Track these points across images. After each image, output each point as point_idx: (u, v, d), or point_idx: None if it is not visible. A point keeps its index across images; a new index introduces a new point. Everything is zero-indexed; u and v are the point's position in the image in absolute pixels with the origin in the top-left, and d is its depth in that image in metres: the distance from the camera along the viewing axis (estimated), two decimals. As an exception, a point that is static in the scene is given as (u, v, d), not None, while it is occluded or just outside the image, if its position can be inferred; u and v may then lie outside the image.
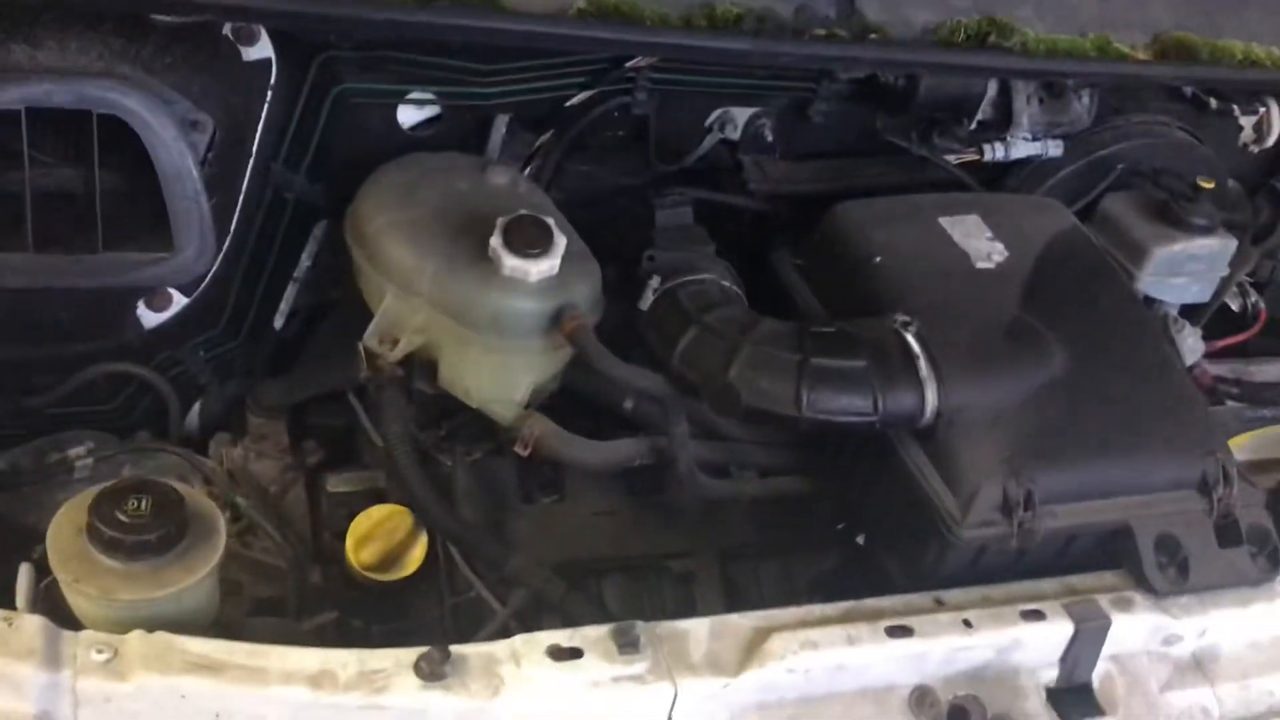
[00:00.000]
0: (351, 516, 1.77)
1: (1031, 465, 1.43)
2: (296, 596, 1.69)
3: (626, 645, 1.24)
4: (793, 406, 1.42)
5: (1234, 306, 2.10)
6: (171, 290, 1.74)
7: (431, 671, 1.18)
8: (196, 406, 1.92)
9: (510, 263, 1.47)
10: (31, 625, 1.13)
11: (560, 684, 1.20)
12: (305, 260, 1.84)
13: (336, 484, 1.81)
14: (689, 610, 1.72)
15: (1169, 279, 1.87)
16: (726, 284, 1.61)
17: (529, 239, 1.47)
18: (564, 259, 1.51)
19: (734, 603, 1.76)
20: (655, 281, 1.59)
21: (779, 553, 1.81)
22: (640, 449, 1.62)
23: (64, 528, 1.24)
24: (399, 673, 1.18)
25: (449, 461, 1.67)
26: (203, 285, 1.75)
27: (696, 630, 1.29)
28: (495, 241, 1.47)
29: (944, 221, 1.68)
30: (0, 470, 1.73)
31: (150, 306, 1.75)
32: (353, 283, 1.67)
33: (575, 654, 1.23)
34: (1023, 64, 1.60)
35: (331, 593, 1.72)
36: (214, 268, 1.73)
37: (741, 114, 1.90)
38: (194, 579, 1.23)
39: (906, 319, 1.48)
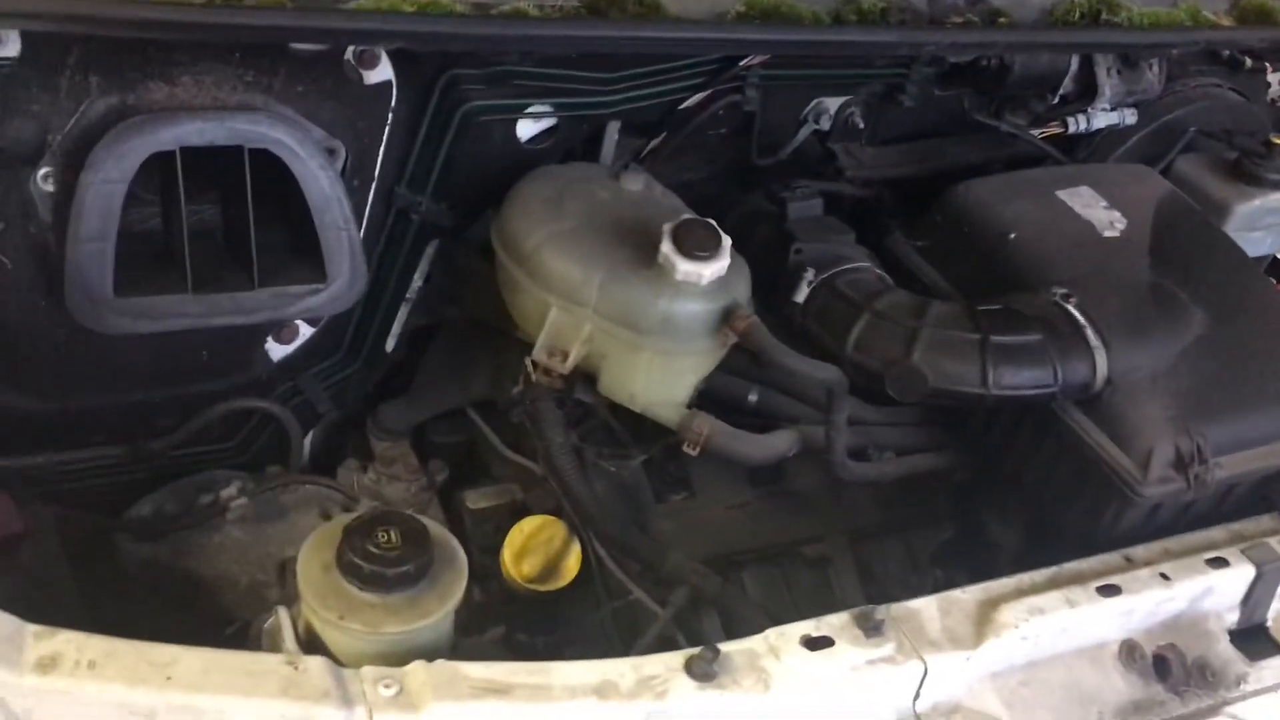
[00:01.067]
0: (497, 531, 1.78)
1: (1197, 420, 1.50)
2: (464, 614, 1.69)
3: (871, 629, 1.27)
4: (979, 385, 1.47)
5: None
6: (298, 321, 1.73)
7: (705, 672, 1.20)
8: (309, 436, 1.91)
9: (684, 267, 1.49)
10: (318, 666, 1.13)
11: (822, 672, 1.24)
12: (417, 280, 1.83)
13: (476, 500, 1.82)
14: (826, 594, 1.79)
15: (1248, 233, 1.96)
16: (877, 270, 1.66)
17: (699, 242, 1.49)
18: (726, 261, 1.54)
19: (868, 583, 1.82)
20: (810, 273, 1.62)
21: (900, 529, 1.86)
22: (794, 440, 1.66)
23: (311, 566, 1.23)
24: (673, 676, 1.20)
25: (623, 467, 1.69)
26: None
27: (926, 609, 1.33)
28: (666, 247, 1.49)
29: (1061, 194, 1.74)
30: (145, 516, 1.70)
31: (278, 339, 1.74)
32: (497, 300, 1.67)
33: (827, 642, 1.26)
34: (1134, 38, 1.67)
35: (494, 608, 1.73)
36: None
37: (833, 103, 1.93)
38: (450, 605, 1.24)
39: (1066, 291, 1.54)
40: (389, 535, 1.22)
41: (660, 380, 1.59)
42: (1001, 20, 1.57)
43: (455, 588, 1.25)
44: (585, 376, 1.62)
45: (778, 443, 1.64)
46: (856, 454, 1.74)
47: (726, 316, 1.53)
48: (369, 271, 1.74)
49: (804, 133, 1.93)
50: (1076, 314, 1.51)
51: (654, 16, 1.40)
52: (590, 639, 1.74)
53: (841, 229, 1.73)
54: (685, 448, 1.59)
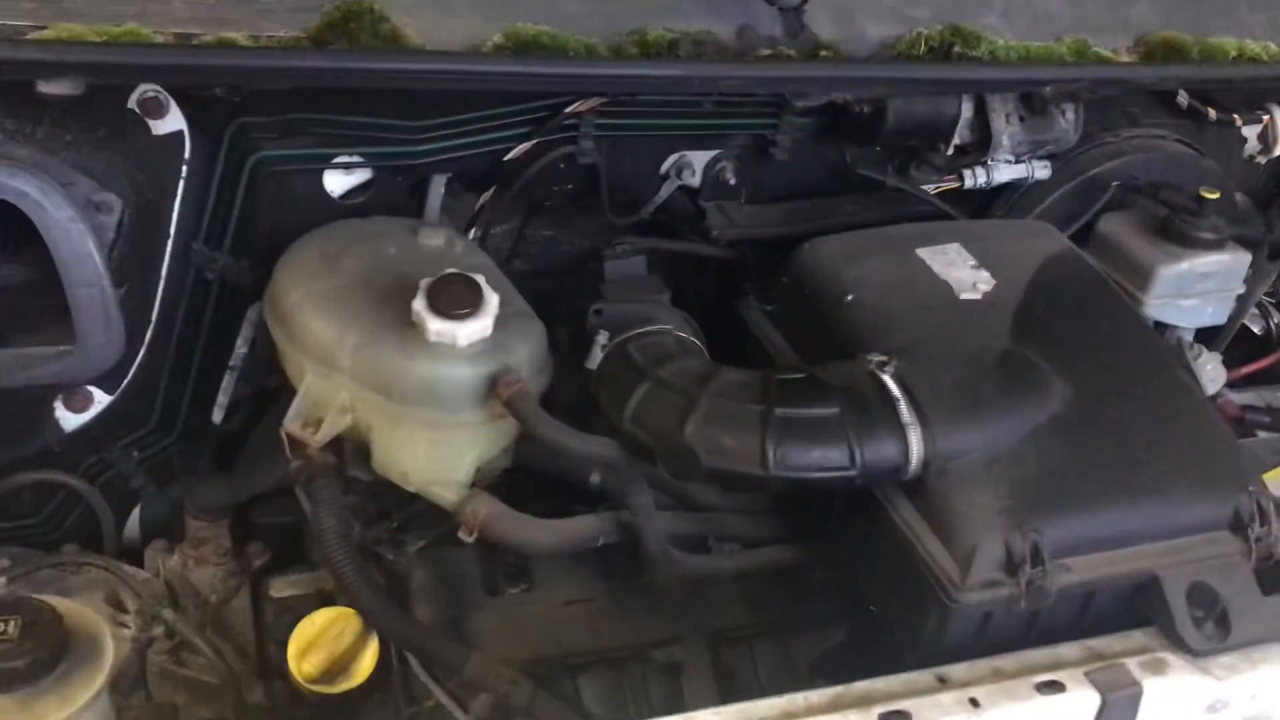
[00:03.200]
0: (297, 623, 1.62)
1: (1036, 514, 1.26)
2: (236, 718, 1.52)
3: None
4: (758, 464, 1.25)
5: (1256, 329, 1.92)
6: (91, 388, 1.61)
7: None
8: (137, 513, 1.78)
9: (435, 326, 1.32)
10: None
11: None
12: (241, 347, 1.70)
13: (281, 588, 1.66)
14: (677, 704, 1.56)
15: (1179, 301, 1.71)
16: (683, 335, 1.46)
17: (455, 299, 1.32)
18: (501, 319, 1.36)
19: (728, 692, 1.58)
20: (603, 337, 1.44)
21: (776, 632, 1.64)
22: (604, 526, 1.46)
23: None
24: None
25: (402, 556, 1.50)
26: (126, 380, 1.62)
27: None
28: (418, 304, 1.33)
29: (922, 253, 1.53)
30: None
31: (70, 407, 1.62)
32: (280, 367, 1.53)
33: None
34: (993, 74, 1.46)
35: (275, 710, 1.55)
36: (138, 359, 1.60)
37: (700, 158, 1.76)
38: (70, 710, 1.07)
39: (882, 358, 1.32)
40: (6, 626, 1.06)
41: (432, 456, 1.41)
42: (824, 54, 1.37)
43: (85, 688, 1.08)
44: (361, 451, 1.46)
45: (575, 530, 1.44)
46: (694, 543, 1.53)
47: (494, 383, 1.35)
48: (174, 335, 1.63)
49: (667, 189, 1.76)
50: (890, 384, 1.29)
51: (390, 48, 1.25)
52: (382, 752, 1.55)
53: (657, 289, 1.54)
54: (460, 533, 1.41)
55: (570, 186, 1.73)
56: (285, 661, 1.56)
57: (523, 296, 1.55)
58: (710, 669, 1.59)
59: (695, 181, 1.77)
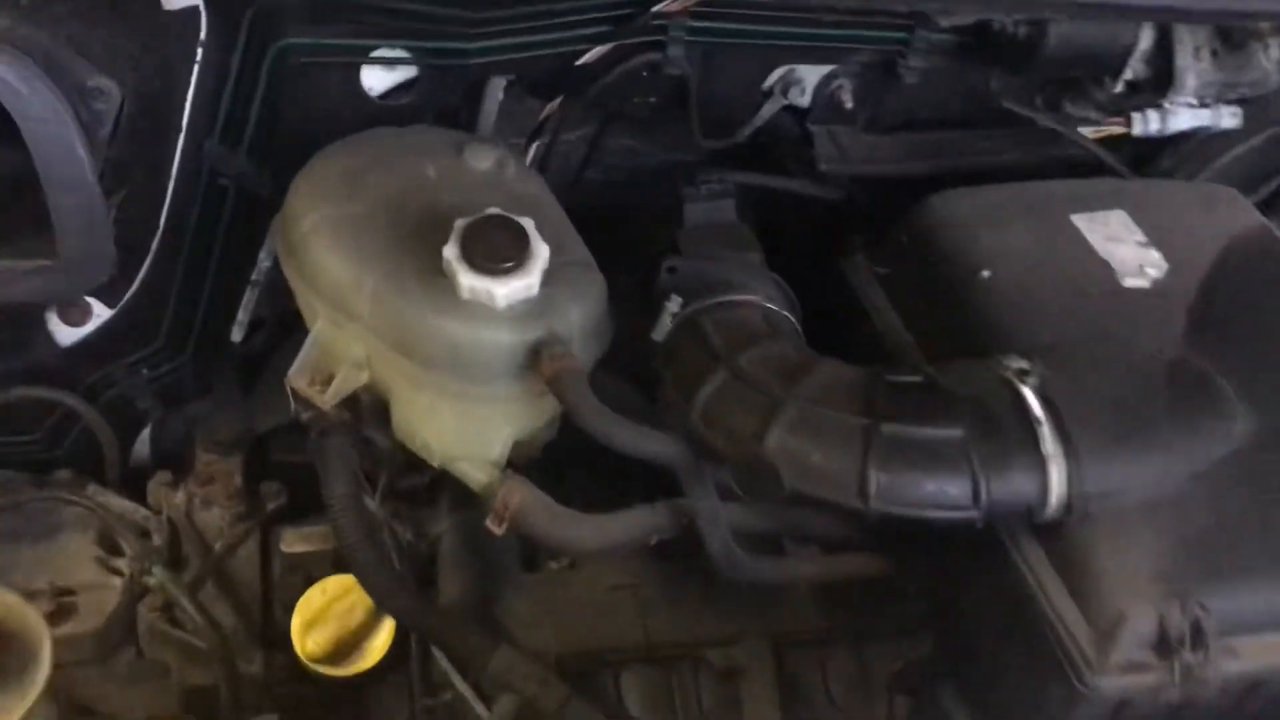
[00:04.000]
0: (308, 584, 1.43)
1: (1202, 579, 1.00)
2: (229, 692, 1.34)
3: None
4: (855, 493, 1.00)
5: None
6: (90, 300, 1.41)
7: None
8: (148, 435, 1.59)
9: (469, 281, 1.07)
10: None
11: None
12: (265, 260, 1.47)
13: (292, 541, 1.47)
14: (733, 714, 1.36)
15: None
16: (773, 308, 1.19)
17: (496, 249, 1.07)
18: (551, 273, 1.11)
19: (792, 704, 1.37)
20: (674, 303, 1.17)
21: (851, 639, 1.41)
22: (659, 521, 1.22)
23: None
24: None
25: (423, 540, 1.30)
26: (130, 292, 1.42)
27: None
28: (450, 251, 1.08)
29: (1078, 220, 1.23)
30: None
31: (65, 320, 1.44)
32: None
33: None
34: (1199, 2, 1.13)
35: (274, 686, 1.37)
36: (143, 270, 1.41)
37: (812, 74, 1.47)
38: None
39: (1023, 364, 1.04)
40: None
41: (460, 430, 1.18)
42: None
43: (17, 702, 0.88)
44: (377, 409, 1.23)
45: (624, 528, 1.21)
46: (767, 542, 1.30)
47: (538, 354, 1.10)
48: (185, 244, 1.42)
49: (769, 109, 1.48)
50: (1031, 400, 1.02)
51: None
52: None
53: (747, 243, 1.27)
54: (487, 523, 1.18)
55: (652, 100, 1.46)
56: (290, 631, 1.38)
57: (596, 208, 1.31)
58: (773, 676, 1.38)
59: (804, 101, 1.48)
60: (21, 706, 0.91)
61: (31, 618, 0.97)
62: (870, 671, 1.41)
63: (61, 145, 1.20)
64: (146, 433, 1.61)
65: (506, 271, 1.07)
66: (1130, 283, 1.18)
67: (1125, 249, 1.20)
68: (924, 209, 1.27)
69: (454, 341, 1.10)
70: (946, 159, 1.50)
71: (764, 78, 1.46)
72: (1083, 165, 1.48)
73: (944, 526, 1.02)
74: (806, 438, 1.02)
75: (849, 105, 1.48)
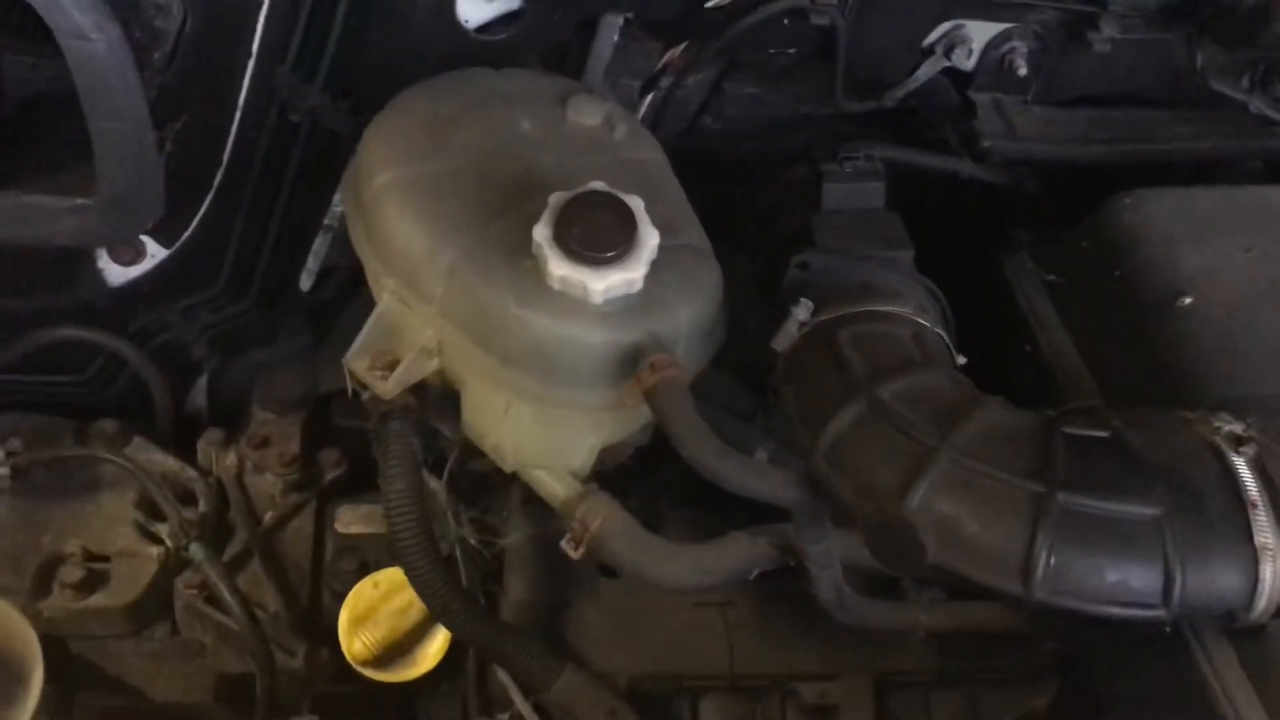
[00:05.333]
0: (361, 571, 1.28)
1: None
2: (265, 686, 1.21)
3: None
4: (1017, 576, 0.80)
5: None
6: (144, 238, 1.27)
7: None
8: (204, 385, 1.45)
9: (562, 270, 0.89)
10: None
11: None
12: (339, 204, 1.31)
13: (349, 519, 1.34)
14: None
15: None
16: (925, 324, 0.98)
17: (596, 233, 0.89)
18: (660, 263, 0.93)
19: (892, 748, 1.20)
20: (804, 309, 0.97)
21: (962, 682, 1.23)
22: (761, 554, 1.04)
23: None
24: None
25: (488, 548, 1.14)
26: (188, 232, 1.30)
27: None
28: (541, 233, 0.90)
29: (1307, 239, 1.01)
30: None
31: (116, 259, 1.32)
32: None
33: None
34: None
35: (315, 683, 1.23)
36: (203, 208, 1.29)
37: (982, 32, 1.26)
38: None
39: (1237, 429, 0.83)
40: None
41: (538, 435, 1.01)
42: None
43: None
44: (447, 398, 1.06)
45: (720, 559, 1.03)
46: (881, 586, 1.12)
47: (637, 360, 0.92)
48: (250, 182, 1.26)
49: (927, 70, 1.26)
50: (1245, 475, 0.81)
51: None
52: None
53: (897, 240, 1.06)
54: (564, 545, 1.02)
55: (792, 51, 1.26)
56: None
57: (712, 162, 1.14)
58: (871, 718, 1.20)
59: (969, 64, 1.28)
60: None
61: (19, 627, 0.82)
62: (981, 718, 1.23)
63: (107, 67, 1.04)
64: (204, 383, 1.47)
65: (607, 262, 0.89)
66: (1370, 325, 0.95)
67: (1365, 280, 0.98)
68: (1112, 209, 1.05)
69: (539, 338, 0.92)
70: (1133, 143, 1.28)
71: (926, 34, 1.25)
72: (1295, 163, 1.25)
73: (1122, 623, 0.82)
74: (961, 500, 0.82)
75: (1023, 72, 1.26)
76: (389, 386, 0.99)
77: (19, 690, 0.82)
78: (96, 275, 1.30)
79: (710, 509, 1.11)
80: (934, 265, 1.13)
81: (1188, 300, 0.96)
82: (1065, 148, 1.27)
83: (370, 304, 1.21)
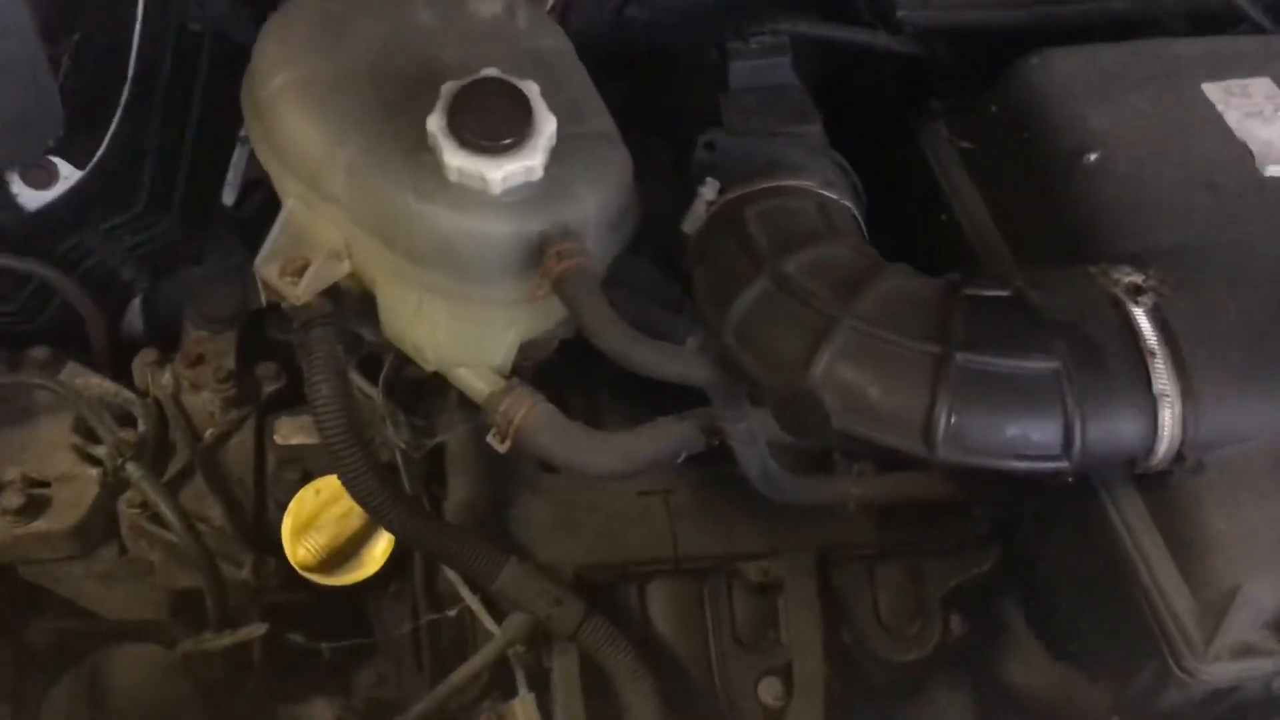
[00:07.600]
0: (304, 480, 1.29)
1: (1340, 552, 0.81)
2: (214, 599, 1.22)
3: None
4: (919, 436, 0.82)
5: None
6: (55, 160, 1.26)
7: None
8: (139, 306, 1.45)
9: (458, 162, 0.89)
10: None
11: None
12: (253, 115, 1.29)
13: (288, 431, 1.33)
14: (770, 632, 1.23)
15: None
16: (832, 196, 0.98)
17: (490, 121, 0.88)
18: (562, 149, 0.92)
19: (836, 622, 1.24)
20: (710, 188, 0.97)
21: (904, 554, 1.25)
22: (688, 436, 1.05)
23: None
24: None
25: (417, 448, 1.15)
26: (100, 151, 1.28)
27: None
28: (435, 124, 0.89)
29: (1210, 90, 1.01)
30: None
31: (29, 182, 1.29)
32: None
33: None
34: None
35: (265, 592, 1.25)
36: (112, 126, 1.26)
37: (892, -109, 1.23)
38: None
39: (1137, 278, 0.84)
40: None
41: (455, 333, 1.01)
42: None
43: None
44: (366, 302, 1.06)
45: (648, 445, 1.04)
46: (814, 461, 1.14)
47: (544, 249, 0.92)
48: (156, 96, 1.25)
49: (837, -64, 1.24)
50: (1143, 324, 0.82)
51: None
52: (399, 653, 1.25)
53: (803, 113, 1.05)
54: (490, 439, 1.02)
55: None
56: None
57: (639, 56, 1.11)
58: (814, 591, 1.24)
59: (881, -72, 1.24)
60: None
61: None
62: (924, 588, 1.26)
63: (-12, -21, 1.01)
64: (139, 305, 1.46)
65: (503, 150, 0.88)
66: (1274, 171, 0.96)
67: (1269, 129, 0.98)
68: (1020, 71, 1.05)
69: (442, 233, 0.92)
70: (1047, 5, 1.26)
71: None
72: (1214, 18, 1.24)
73: (1024, 477, 0.83)
74: (862, 367, 0.83)
75: (936, -63, 1.24)
76: (300, 292, 0.99)
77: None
78: (11, 200, 1.28)
79: (647, 401, 1.12)
80: (854, 142, 1.13)
81: (1094, 157, 0.96)
82: (979, 14, 1.25)
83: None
